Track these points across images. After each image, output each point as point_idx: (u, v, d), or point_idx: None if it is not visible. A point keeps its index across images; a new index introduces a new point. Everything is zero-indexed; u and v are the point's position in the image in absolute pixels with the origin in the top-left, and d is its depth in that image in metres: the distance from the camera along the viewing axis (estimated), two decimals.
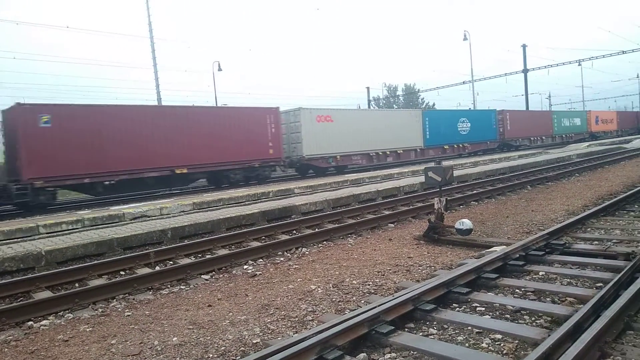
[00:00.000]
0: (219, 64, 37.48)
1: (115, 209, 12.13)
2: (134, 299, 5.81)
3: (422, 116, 27.92)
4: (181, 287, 6.24)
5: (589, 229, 7.52)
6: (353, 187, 15.46)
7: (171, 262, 7.44)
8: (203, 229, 9.55)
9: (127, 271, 7.06)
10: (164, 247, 8.07)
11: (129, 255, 7.58)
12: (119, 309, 5.48)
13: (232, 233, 9.00)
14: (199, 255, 7.81)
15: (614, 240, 6.59)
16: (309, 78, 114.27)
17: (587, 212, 8.41)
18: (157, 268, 7.10)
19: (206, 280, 6.48)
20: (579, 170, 17.62)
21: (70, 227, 10.36)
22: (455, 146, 29.63)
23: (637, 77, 66.85)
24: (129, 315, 5.19)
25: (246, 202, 13.23)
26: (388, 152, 25.44)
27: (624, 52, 42.23)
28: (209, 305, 5.26)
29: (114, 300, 5.82)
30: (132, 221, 10.91)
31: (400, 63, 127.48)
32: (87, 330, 4.82)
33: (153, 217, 11.34)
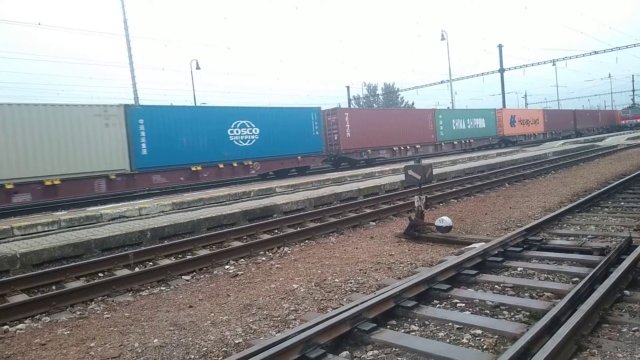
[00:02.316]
0: (197, 63, 37.18)
1: (92, 210, 11.91)
2: (113, 301, 5.72)
3: (128, 117, 16.09)
4: (161, 288, 6.17)
5: (565, 225, 7.69)
6: (335, 185, 15.50)
7: (151, 263, 7.35)
8: (183, 229, 9.45)
9: (105, 273, 6.94)
10: (143, 248, 7.97)
11: (107, 256, 7.44)
12: (98, 312, 5.38)
13: (213, 233, 8.93)
14: (180, 256, 7.73)
15: (589, 236, 6.75)
16: (290, 77, 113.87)
17: (563, 208, 8.59)
18: (137, 269, 6.98)
19: (187, 280, 6.42)
20: (555, 168, 18.00)
21: (46, 228, 10.13)
22: (222, 166, 18.38)
23: (609, 76, 68.66)
24: (108, 318, 5.11)
25: (227, 202, 13.13)
26: (12, 186, 13.68)
27: (595, 53, 43.38)
28: (190, 306, 5.21)
29: (93, 302, 5.71)
30: (110, 222, 10.73)
31: (379, 62, 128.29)
32: (65, 333, 4.72)
33: (132, 218, 11.17)
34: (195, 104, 34.62)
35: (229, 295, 5.53)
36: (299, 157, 21.59)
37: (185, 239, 8.43)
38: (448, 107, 41.69)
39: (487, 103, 58.74)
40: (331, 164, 25.52)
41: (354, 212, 10.75)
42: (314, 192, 13.30)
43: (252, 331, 4.32)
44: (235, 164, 19.00)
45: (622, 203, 9.42)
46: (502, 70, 46.48)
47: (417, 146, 28.22)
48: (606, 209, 8.89)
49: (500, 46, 45.93)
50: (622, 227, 7.19)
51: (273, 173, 21.22)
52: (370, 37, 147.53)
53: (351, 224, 9.39)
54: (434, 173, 8.87)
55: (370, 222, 9.68)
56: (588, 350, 3.33)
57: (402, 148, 27.18)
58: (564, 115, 48.42)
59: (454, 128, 31.57)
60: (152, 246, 8.12)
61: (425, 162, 8.45)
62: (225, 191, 14.72)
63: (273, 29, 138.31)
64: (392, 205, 11.24)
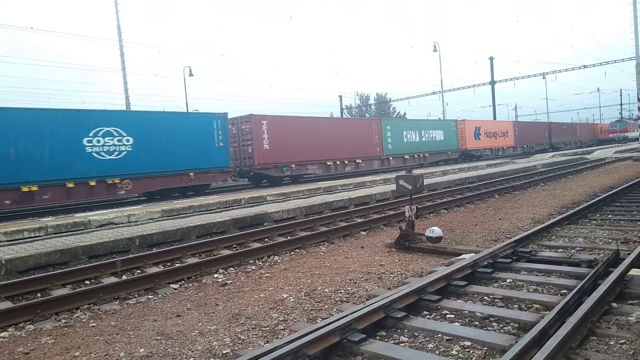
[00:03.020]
0: (190, 69, 37.20)
1: (80, 216, 11.79)
2: (99, 309, 5.64)
3: None
4: (149, 296, 6.09)
5: (554, 237, 7.74)
6: (326, 194, 15.49)
7: (139, 271, 7.26)
8: (172, 236, 9.38)
9: (92, 280, 6.85)
10: (131, 256, 7.88)
11: (94, 263, 7.35)
12: (84, 320, 5.30)
13: (203, 241, 8.86)
14: (168, 264, 7.65)
15: (577, 248, 6.80)
16: (284, 85, 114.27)
17: (552, 220, 8.65)
18: (124, 277, 6.92)
19: (175, 289, 6.35)
20: (544, 179, 18.16)
21: (32, 234, 10.00)
22: (72, 185, 14.57)
23: (598, 90, 69.63)
24: (93, 326, 5.03)
25: (217, 210, 13.07)
26: None
27: (585, 67, 44.02)
28: (178, 315, 5.15)
29: (78, 310, 5.63)
30: (99, 229, 10.62)
31: (372, 73, 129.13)
32: (49, 342, 4.64)
33: (120, 225, 11.06)
34: (187, 110, 34.52)
35: (217, 304, 5.47)
36: (192, 174, 17.56)
37: (174, 247, 8.36)
38: (439, 118, 41.87)
39: (478, 114, 59.11)
40: (249, 181, 22.38)
41: (345, 221, 10.75)
42: (305, 201, 13.28)
43: (240, 341, 4.28)
44: (93, 183, 14.96)
45: (610, 216, 9.51)
46: (493, 83, 47.06)
47: (358, 161, 24.85)
48: (594, 222, 8.97)
49: (491, 59, 46.57)
50: (610, 240, 7.25)
51: (158, 193, 17.37)
52: (363, 47, 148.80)
53: (342, 233, 9.38)
54: (425, 183, 8.91)
55: (361, 232, 9.68)
56: None
57: (339, 163, 23.69)
58: (538, 128, 45.83)
59: (405, 140, 28.29)
60: (141, 254, 8.03)
61: (416, 172, 8.49)
62: (216, 199, 14.66)
63: (267, 37, 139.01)
64: (383, 214, 11.25)
